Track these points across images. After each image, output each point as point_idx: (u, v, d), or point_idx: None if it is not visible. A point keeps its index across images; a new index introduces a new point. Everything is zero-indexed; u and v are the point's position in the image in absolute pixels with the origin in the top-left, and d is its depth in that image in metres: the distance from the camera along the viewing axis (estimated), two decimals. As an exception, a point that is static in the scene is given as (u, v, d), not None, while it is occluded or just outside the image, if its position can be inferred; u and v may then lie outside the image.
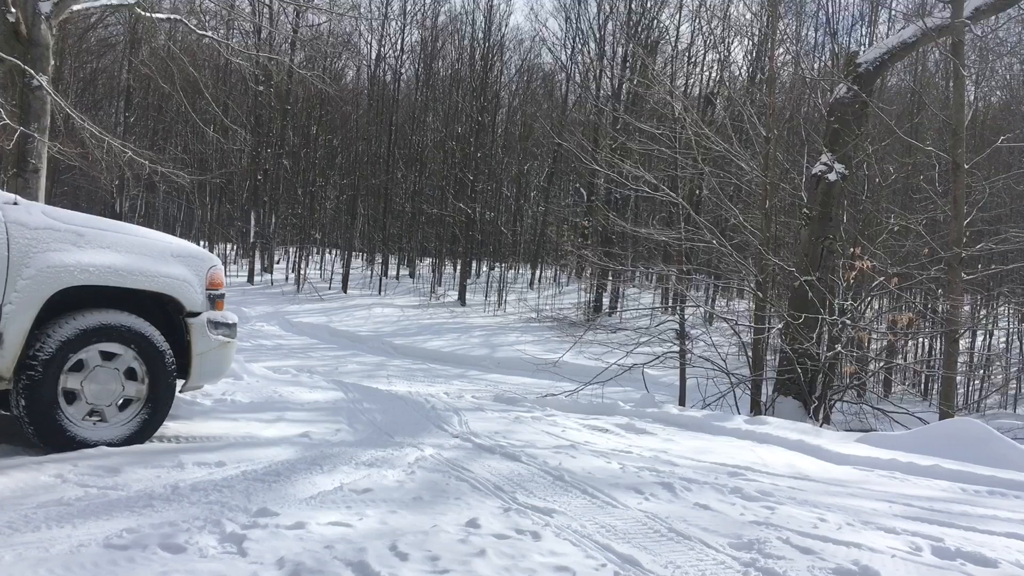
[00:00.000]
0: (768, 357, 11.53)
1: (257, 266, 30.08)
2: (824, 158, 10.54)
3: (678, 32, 28.98)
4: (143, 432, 4.13)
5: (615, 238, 24.80)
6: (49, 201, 9.07)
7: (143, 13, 10.60)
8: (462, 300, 27.26)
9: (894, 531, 3.53)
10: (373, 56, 33.56)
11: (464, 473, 4.07)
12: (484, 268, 32.83)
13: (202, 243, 30.12)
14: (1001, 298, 16.48)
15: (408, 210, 33.09)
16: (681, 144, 12.83)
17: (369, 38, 33.35)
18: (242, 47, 20.60)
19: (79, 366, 3.89)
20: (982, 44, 14.67)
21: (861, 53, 11.02)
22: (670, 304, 20.27)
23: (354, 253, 32.26)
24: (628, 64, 27.65)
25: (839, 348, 9.76)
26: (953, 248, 9.95)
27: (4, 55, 7.50)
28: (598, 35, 30.03)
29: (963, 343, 13.71)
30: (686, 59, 28.90)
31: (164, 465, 3.70)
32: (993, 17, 11.70)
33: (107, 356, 3.98)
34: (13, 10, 7.83)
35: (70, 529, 2.76)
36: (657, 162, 19.59)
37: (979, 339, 18.29)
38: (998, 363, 17.71)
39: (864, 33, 22.85)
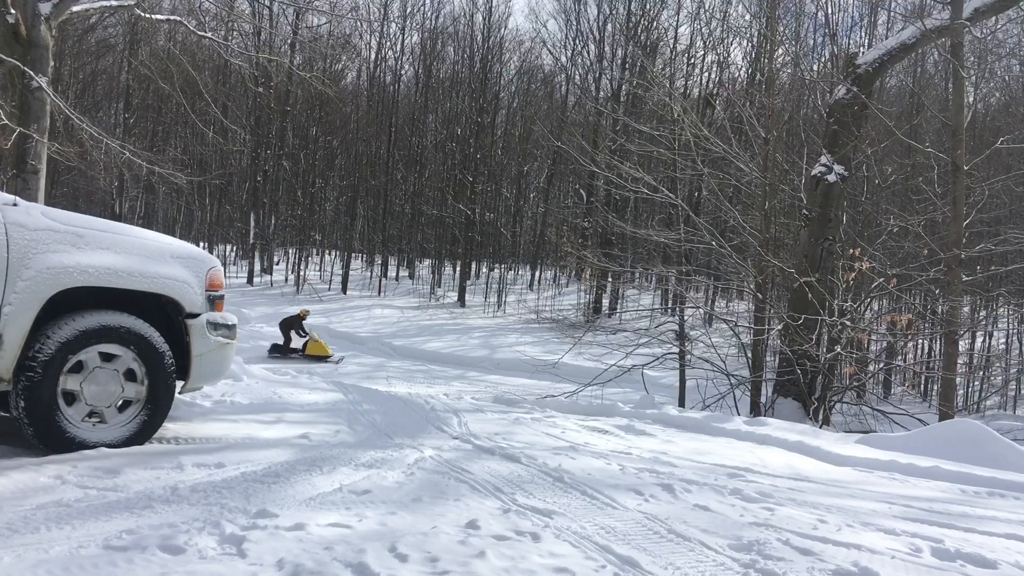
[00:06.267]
0: (768, 358, 11.54)
1: (257, 267, 30.08)
2: (823, 159, 10.54)
3: (676, 34, 29.03)
4: (142, 433, 4.12)
5: (615, 239, 24.81)
6: (48, 202, 9.07)
7: (143, 14, 10.61)
8: (462, 301, 27.26)
9: (894, 532, 3.53)
10: (372, 57, 33.59)
11: (464, 474, 4.07)
12: (484, 269, 32.82)
13: (201, 244, 30.12)
14: (1000, 299, 16.48)
15: (408, 211, 33.10)
16: (680, 145, 12.84)
17: (369, 39, 33.37)
18: (242, 48, 20.62)
19: (78, 367, 3.88)
20: (981, 46, 14.69)
21: (860, 54, 11.03)
22: (670, 305, 20.27)
23: (354, 254, 32.26)
24: (627, 66, 27.68)
25: (839, 349, 9.76)
26: (952, 249, 9.95)
27: (4, 56, 7.50)
28: (598, 36, 30.08)
29: (962, 344, 13.72)
30: (685, 61, 28.93)
31: (163, 466, 3.70)
32: (992, 18, 11.71)
33: (106, 357, 3.97)
34: (13, 11, 7.84)
35: (69, 530, 2.75)
36: (657, 163, 19.59)
37: (979, 340, 18.30)
38: (997, 364, 17.72)
39: (863, 34, 22.87)
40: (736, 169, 12.33)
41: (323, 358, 16.78)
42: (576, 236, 26.92)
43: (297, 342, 17.23)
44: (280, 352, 16.96)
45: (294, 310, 19.39)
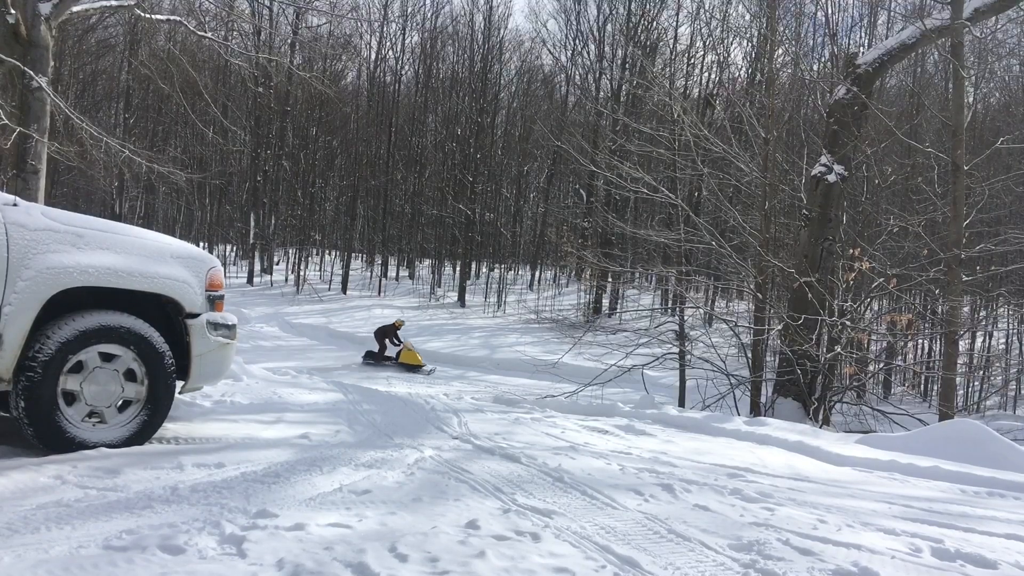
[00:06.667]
0: (768, 358, 11.54)
1: (256, 267, 30.06)
2: (823, 159, 10.54)
3: (676, 34, 29.03)
4: (142, 433, 4.12)
5: (615, 239, 24.81)
6: (48, 202, 9.07)
7: (143, 14, 10.61)
8: (462, 301, 27.25)
9: (894, 532, 3.53)
10: (373, 57, 33.59)
11: (464, 474, 4.07)
12: (484, 269, 32.82)
13: (201, 244, 30.12)
14: (1000, 299, 16.49)
15: (408, 211, 33.10)
16: (680, 145, 12.85)
17: (369, 39, 33.37)
18: (242, 48, 20.63)
19: (78, 367, 3.88)
20: (981, 46, 14.69)
21: (860, 54, 11.03)
22: (669, 305, 20.28)
23: (354, 254, 32.25)
24: (627, 66, 27.68)
25: (839, 349, 9.76)
26: (952, 249, 9.95)
27: (4, 56, 7.49)
28: (598, 37, 30.08)
29: (963, 344, 13.73)
30: (685, 61, 28.94)
31: (163, 466, 3.70)
32: (992, 18, 11.71)
33: (106, 357, 3.97)
34: (13, 11, 7.83)
35: (69, 530, 2.75)
36: (656, 163, 19.60)
37: (979, 340, 18.31)
38: (997, 364, 17.73)
39: (863, 34, 22.88)
40: (736, 169, 12.33)
41: (416, 367, 16.64)
42: (576, 236, 26.92)
43: (391, 350, 17.27)
44: (374, 359, 17.01)
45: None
